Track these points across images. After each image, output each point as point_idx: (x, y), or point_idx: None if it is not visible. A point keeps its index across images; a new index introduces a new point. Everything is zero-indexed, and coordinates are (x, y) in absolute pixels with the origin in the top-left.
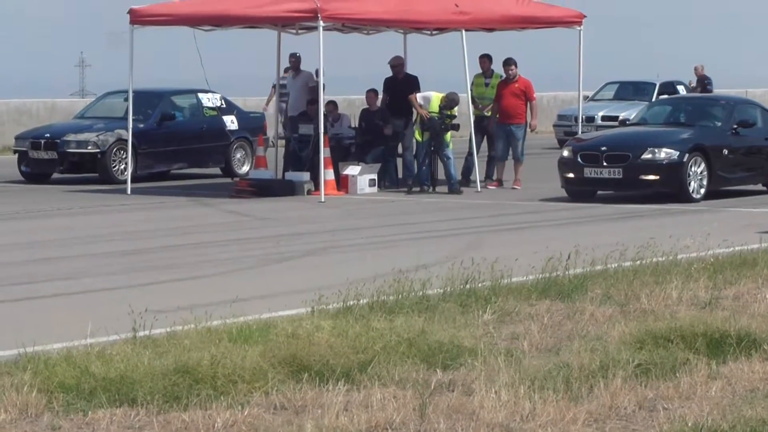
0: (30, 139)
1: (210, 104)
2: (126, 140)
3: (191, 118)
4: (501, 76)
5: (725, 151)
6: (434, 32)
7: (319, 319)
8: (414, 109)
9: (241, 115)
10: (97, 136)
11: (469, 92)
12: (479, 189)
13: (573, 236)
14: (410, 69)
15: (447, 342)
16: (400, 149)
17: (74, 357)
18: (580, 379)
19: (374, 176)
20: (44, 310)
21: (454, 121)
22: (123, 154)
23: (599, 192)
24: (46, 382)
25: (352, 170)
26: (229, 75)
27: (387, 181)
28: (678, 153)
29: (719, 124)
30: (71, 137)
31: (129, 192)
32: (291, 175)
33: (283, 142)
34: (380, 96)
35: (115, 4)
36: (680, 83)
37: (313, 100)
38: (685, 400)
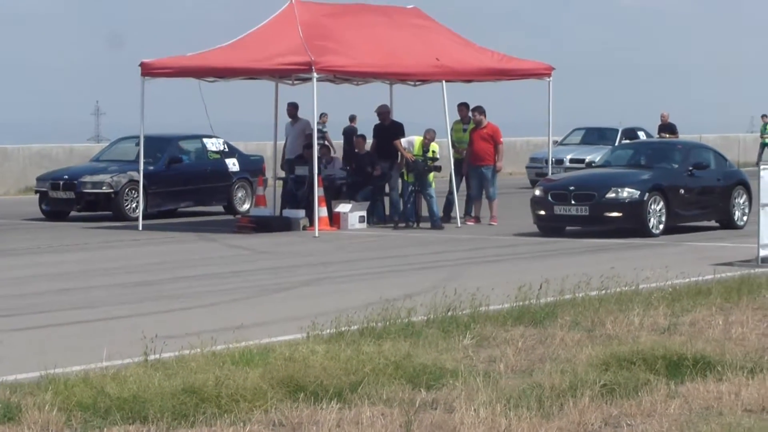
0: (50, 181)
1: (214, 148)
2: (137, 181)
3: (197, 160)
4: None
5: (682, 191)
6: (417, 83)
7: (314, 344)
8: (399, 153)
9: (242, 158)
10: (111, 177)
11: (449, 137)
12: (459, 225)
13: (544, 268)
14: (396, 116)
15: (430, 364)
16: (387, 189)
17: (91, 378)
18: (551, 398)
19: (364, 213)
20: (64, 336)
21: (437, 164)
22: (135, 193)
23: (568, 228)
24: (65, 401)
25: (343, 208)
26: (232, 122)
27: (375, 217)
28: (639, 192)
29: (676, 166)
30: (87, 178)
31: (141, 228)
32: (288, 213)
33: (281, 182)
34: (368, 141)
35: (127, 58)
36: (641, 129)
37: (309, 145)
38: (647, 417)
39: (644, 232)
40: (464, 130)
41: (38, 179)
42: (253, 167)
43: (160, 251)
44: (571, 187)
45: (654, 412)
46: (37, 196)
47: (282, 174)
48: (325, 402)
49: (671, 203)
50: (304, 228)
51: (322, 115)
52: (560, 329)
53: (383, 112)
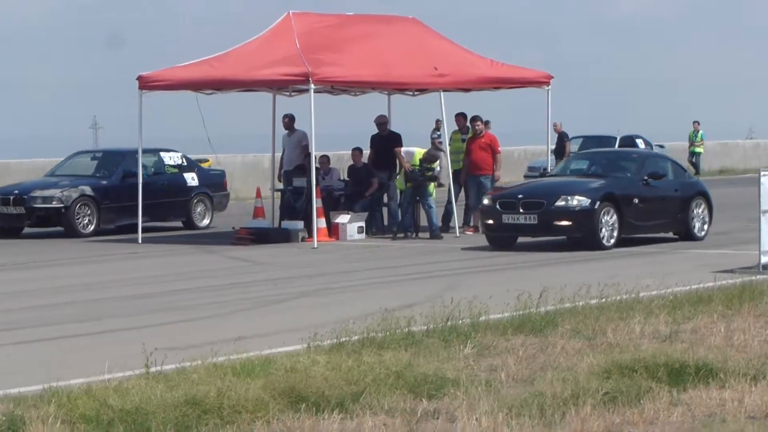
0: (0, 196)
1: (171, 162)
2: (89, 196)
3: (153, 175)
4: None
5: (636, 201)
6: (416, 93)
7: (315, 355)
8: (398, 163)
9: (202, 173)
10: (61, 192)
11: (447, 147)
12: (458, 234)
13: (542, 277)
14: (394, 127)
15: (431, 374)
16: (385, 199)
17: (94, 391)
18: (553, 407)
19: (362, 224)
20: (67, 349)
21: (438, 176)
22: (86, 209)
23: (519, 239)
24: (69, 414)
25: (342, 219)
26: (230, 134)
27: (374, 228)
28: (590, 201)
29: (630, 175)
30: (37, 193)
31: (140, 241)
32: (286, 224)
33: (279, 194)
34: (365, 152)
35: (125, 71)
36: (639, 137)
37: (309, 154)
38: (649, 425)
39: (595, 243)
40: (463, 141)
41: None
42: (213, 182)
43: (160, 264)
44: (520, 195)
45: (656, 419)
46: None
47: (280, 186)
48: (327, 412)
49: (624, 213)
50: (303, 239)
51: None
52: (561, 338)
53: (382, 122)
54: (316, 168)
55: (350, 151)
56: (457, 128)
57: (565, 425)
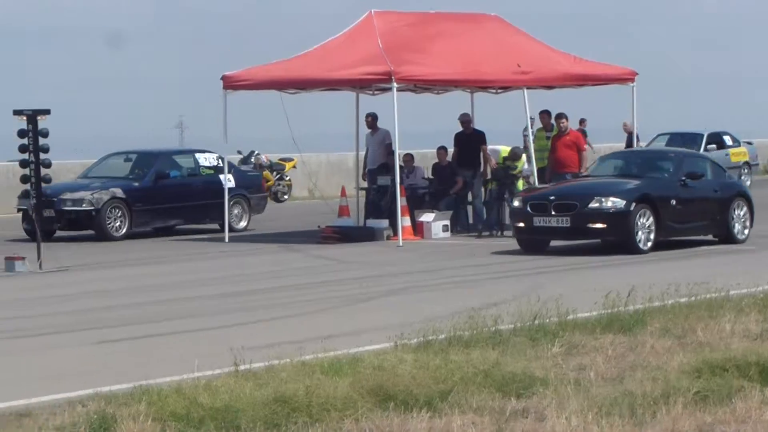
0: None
1: (207, 164)
2: (121, 198)
3: (188, 176)
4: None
5: (673, 202)
6: (499, 91)
7: (402, 353)
8: (483, 161)
9: (239, 174)
10: (91, 194)
11: (532, 145)
12: None
13: (630, 275)
14: (477, 124)
15: (520, 373)
16: (470, 197)
17: (184, 389)
18: (643, 406)
19: (447, 222)
20: (156, 347)
21: (528, 174)
22: (117, 212)
23: (552, 243)
24: (159, 412)
25: (426, 217)
26: (313, 133)
27: (459, 226)
28: (625, 202)
29: (667, 175)
30: (67, 196)
31: (227, 240)
32: (371, 223)
33: (363, 192)
34: (450, 151)
35: (209, 72)
36: (726, 134)
37: (393, 152)
38: (741, 423)
39: (630, 246)
40: (547, 138)
41: (20, 197)
42: (250, 183)
43: (247, 263)
44: (552, 197)
45: (748, 418)
46: (20, 215)
47: (364, 184)
48: (415, 411)
49: (661, 215)
50: (388, 238)
51: (582, 121)
52: (650, 336)
53: (466, 120)
54: (400, 166)
55: (433, 150)
56: (541, 126)
57: (656, 424)
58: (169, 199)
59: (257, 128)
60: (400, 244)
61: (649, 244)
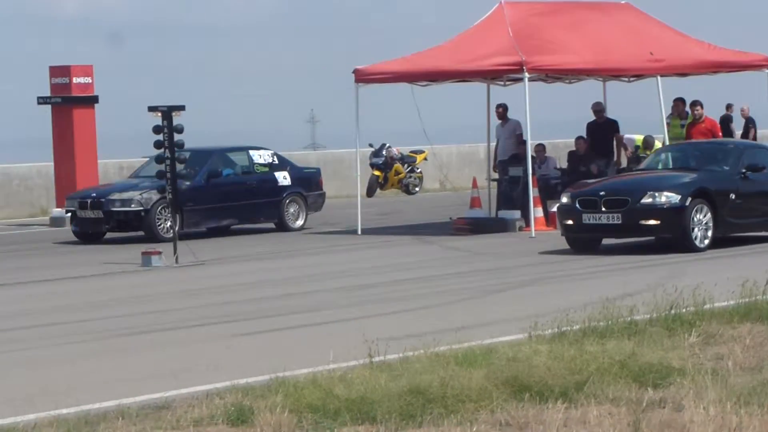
0: (78, 199)
1: (261, 161)
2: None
3: (241, 174)
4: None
5: (732, 196)
6: (632, 79)
7: (537, 344)
8: (615, 150)
9: (295, 171)
10: (140, 194)
11: (666, 133)
12: None
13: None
14: (610, 113)
15: (656, 363)
16: None
17: (319, 380)
18: None
19: None
20: (290, 339)
21: None
22: (168, 212)
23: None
24: (295, 403)
25: None
26: (445, 125)
27: None
28: (680, 197)
29: (727, 168)
30: (116, 196)
31: (359, 232)
32: (503, 214)
33: (495, 183)
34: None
35: (340, 65)
36: None
37: (524, 143)
38: None
39: (686, 244)
40: (681, 126)
41: (67, 198)
42: (307, 180)
43: (380, 255)
44: (602, 192)
45: None
46: (69, 216)
47: (495, 175)
48: (550, 402)
49: (720, 210)
50: (520, 229)
51: (729, 107)
52: None
53: (599, 109)
54: (532, 157)
55: (565, 140)
56: (675, 113)
57: None
58: (221, 198)
59: (388, 121)
60: (533, 235)
61: (707, 241)
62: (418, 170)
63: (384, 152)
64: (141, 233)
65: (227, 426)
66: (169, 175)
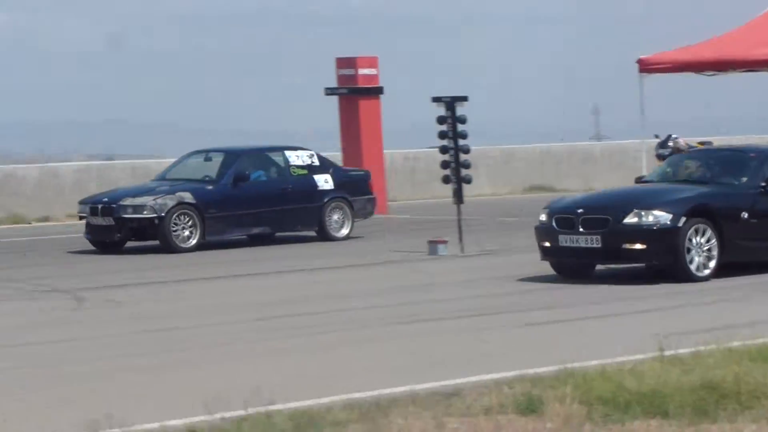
0: (89, 204)
1: (299, 162)
2: (190, 203)
3: (275, 177)
4: None
5: (745, 215)
6: None
7: None
8: None
9: (338, 174)
10: (154, 200)
11: None
12: None
13: None
14: None
15: None
16: None
17: (608, 373)
18: None
19: None
20: (581, 331)
21: None
22: (186, 219)
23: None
24: (585, 395)
25: None
26: (732, 116)
27: None
28: (671, 216)
29: (745, 180)
30: (128, 202)
31: None
32: None
33: None
34: None
35: (622, 56)
36: None
37: None
38: None
39: (680, 272)
40: None
41: (80, 203)
42: (353, 184)
43: None
44: (579, 210)
45: None
46: (83, 223)
47: None
48: None
49: (726, 232)
50: None
51: None
52: None
53: None
54: None
55: None
56: None
57: None
58: (250, 204)
59: (674, 111)
60: None
61: (707, 271)
62: None
63: (671, 143)
64: (157, 242)
65: (517, 415)
66: (453, 165)
